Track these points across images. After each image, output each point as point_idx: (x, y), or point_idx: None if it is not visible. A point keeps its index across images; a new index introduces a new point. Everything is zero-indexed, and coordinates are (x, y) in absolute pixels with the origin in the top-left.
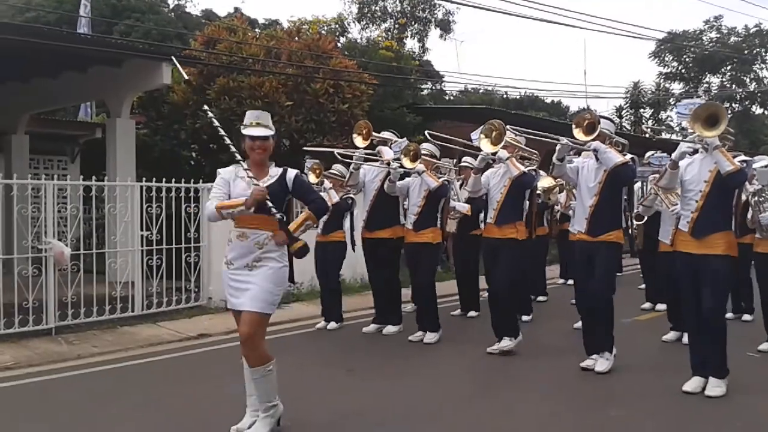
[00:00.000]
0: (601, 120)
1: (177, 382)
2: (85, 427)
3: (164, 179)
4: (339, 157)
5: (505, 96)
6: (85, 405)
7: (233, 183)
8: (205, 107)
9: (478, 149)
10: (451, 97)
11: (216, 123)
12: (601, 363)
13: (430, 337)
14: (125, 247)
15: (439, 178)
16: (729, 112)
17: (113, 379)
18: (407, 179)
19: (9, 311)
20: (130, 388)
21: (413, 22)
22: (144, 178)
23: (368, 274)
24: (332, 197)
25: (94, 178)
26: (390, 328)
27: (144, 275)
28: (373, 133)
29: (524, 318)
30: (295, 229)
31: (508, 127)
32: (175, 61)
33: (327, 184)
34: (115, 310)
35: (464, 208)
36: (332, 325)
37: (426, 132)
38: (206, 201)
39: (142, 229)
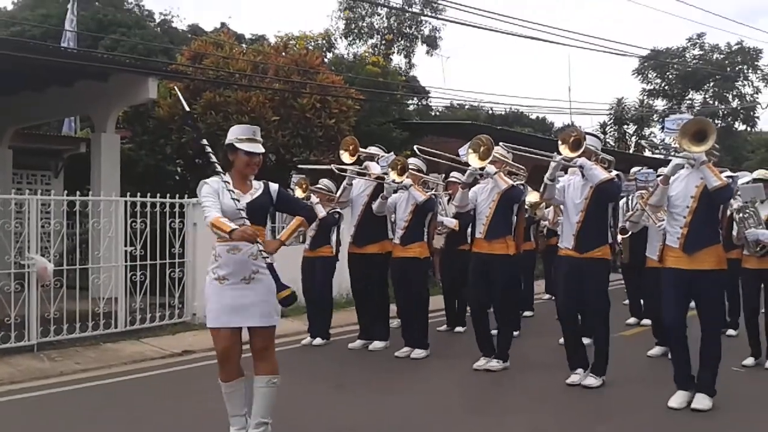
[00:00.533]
0: (587, 136)
1: (161, 399)
2: None
3: (149, 194)
4: (337, 171)
5: (490, 111)
6: (69, 422)
7: (221, 193)
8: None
9: (466, 164)
10: (437, 113)
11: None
12: (590, 379)
13: (418, 353)
14: (109, 263)
15: (427, 193)
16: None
17: (97, 396)
18: (394, 195)
19: None
20: (114, 405)
21: (400, 39)
22: (129, 193)
23: (352, 289)
24: (319, 212)
25: (78, 193)
26: (377, 344)
27: (127, 291)
28: (360, 149)
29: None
30: (288, 237)
31: (501, 144)
32: (179, 93)
33: (314, 198)
34: (98, 326)
35: (452, 223)
36: (318, 341)
37: (415, 147)
38: (191, 216)
39: (126, 245)
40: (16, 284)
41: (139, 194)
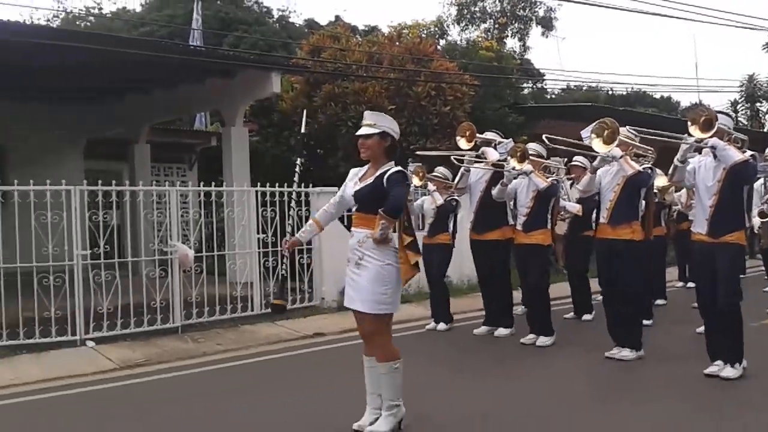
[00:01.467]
0: (719, 115)
1: (297, 379)
2: (218, 417)
3: (276, 184)
4: (454, 160)
5: (610, 92)
6: (215, 398)
7: (348, 184)
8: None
9: (590, 148)
10: (553, 96)
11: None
12: (728, 370)
13: (543, 340)
14: (243, 250)
15: (548, 178)
16: None
17: (238, 375)
18: (514, 181)
19: (138, 311)
20: (254, 383)
21: (513, 21)
22: (259, 183)
23: (477, 276)
24: (437, 199)
25: (213, 184)
26: (501, 331)
27: (261, 276)
28: (477, 135)
29: (645, 322)
30: (375, 231)
31: (627, 127)
32: (305, 118)
33: (431, 186)
34: (236, 309)
35: (575, 208)
36: (441, 326)
37: (544, 137)
38: (315, 204)
39: (258, 232)
40: (160, 270)
41: (267, 184)
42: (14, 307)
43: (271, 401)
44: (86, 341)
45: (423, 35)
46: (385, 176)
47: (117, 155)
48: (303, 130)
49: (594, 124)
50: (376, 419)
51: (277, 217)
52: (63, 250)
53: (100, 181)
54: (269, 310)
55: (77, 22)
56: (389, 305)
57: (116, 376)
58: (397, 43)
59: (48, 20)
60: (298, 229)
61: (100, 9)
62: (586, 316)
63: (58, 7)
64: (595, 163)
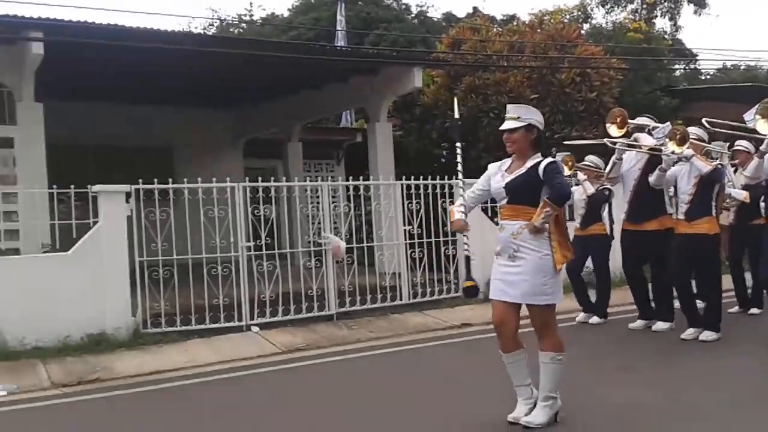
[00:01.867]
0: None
1: (449, 367)
2: (387, 399)
3: (421, 177)
4: (609, 145)
5: None
6: (377, 381)
7: (493, 178)
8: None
9: (753, 132)
10: (708, 77)
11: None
12: None
13: (708, 335)
14: (390, 241)
15: (711, 162)
16: None
17: (393, 362)
18: (673, 167)
19: (297, 299)
20: (408, 370)
21: (663, 0)
22: (404, 177)
23: (625, 268)
24: (587, 189)
25: (361, 178)
26: (660, 325)
27: (408, 267)
28: (629, 120)
29: None
30: (536, 219)
31: None
32: (455, 103)
33: (581, 176)
34: (386, 298)
35: (741, 195)
36: (594, 319)
37: (703, 120)
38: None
39: (404, 224)
40: (315, 260)
41: (412, 177)
42: (186, 296)
43: (426, 388)
44: (251, 327)
45: (565, 20)
46: (540, 168)
47: (272, 153)
48: (456, 116)
49: (758, 105)
50: (530, 410)
51: (422, 209)
52: (229, 243)
53: (260, 178)
54: (461, 294)
55: (230, 29)
56: (551, 295)
57: (281, 359)
58: (539, 31)
59: (204, 29)
60: (444, 221)
61: (251, 16)
62: (754, 310)
63: (213, 15)
64: (763, 147)
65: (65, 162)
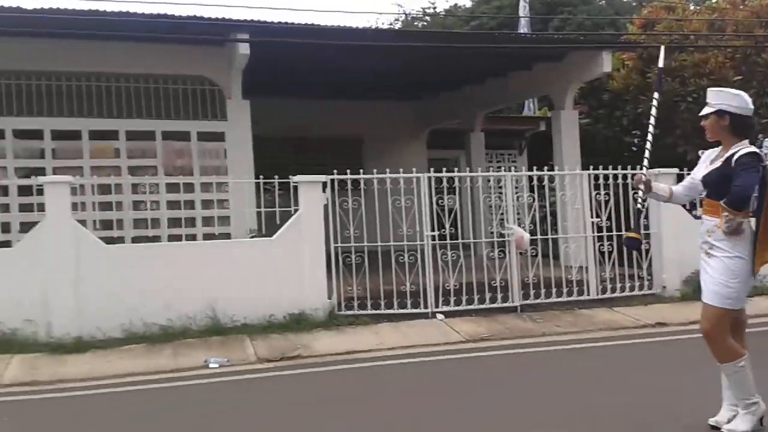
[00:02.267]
0: None
1: (643, 367)
2: (565, 395)
3: (610, 167)
4: None
5: None
6: (563, 376)
7: (701, 167)
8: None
9: None
10: None
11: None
12: None
13: None
14: (576, 233)
15: None
16: None
17: (580, 358)
18: None
19: (480, 289)
20: (598, 367)
21: None
22: (591, 166)
23: None
24: None
25: (545, 168)
26: None
27: (597, 260)
28: None
29: None
30: (721, 224)
31: None
32: (662, 52)
33: None
34: (572, 292)
35: None
36: None
37: None
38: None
39: (591, 216)
40: (498, 251)
41: (601, 167)
42: (376, 281)
43: (619, 386)
44: (436, 314)
45: None
46: (733, 159)
47: (455, 144)
48: (661, 64)
49: None
50: (734, 416)
51: (612, 201)
52: (415, 231)
53: (444, 169)
54: (624, 246)
55: (415, 23)
56: (733, 300)
57: (465, 348)
58: (741, 7)
59: (390, 24)
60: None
61: (434, 8)
62: None
63: (399, 11)
64: None
65: (267, 153)
